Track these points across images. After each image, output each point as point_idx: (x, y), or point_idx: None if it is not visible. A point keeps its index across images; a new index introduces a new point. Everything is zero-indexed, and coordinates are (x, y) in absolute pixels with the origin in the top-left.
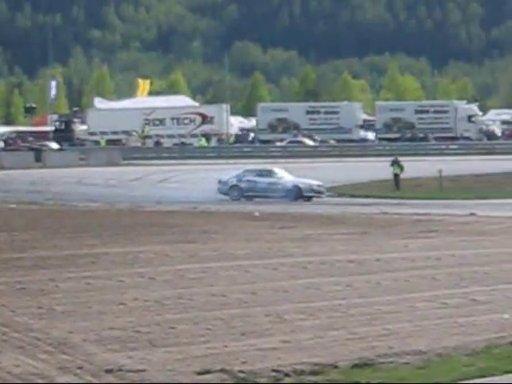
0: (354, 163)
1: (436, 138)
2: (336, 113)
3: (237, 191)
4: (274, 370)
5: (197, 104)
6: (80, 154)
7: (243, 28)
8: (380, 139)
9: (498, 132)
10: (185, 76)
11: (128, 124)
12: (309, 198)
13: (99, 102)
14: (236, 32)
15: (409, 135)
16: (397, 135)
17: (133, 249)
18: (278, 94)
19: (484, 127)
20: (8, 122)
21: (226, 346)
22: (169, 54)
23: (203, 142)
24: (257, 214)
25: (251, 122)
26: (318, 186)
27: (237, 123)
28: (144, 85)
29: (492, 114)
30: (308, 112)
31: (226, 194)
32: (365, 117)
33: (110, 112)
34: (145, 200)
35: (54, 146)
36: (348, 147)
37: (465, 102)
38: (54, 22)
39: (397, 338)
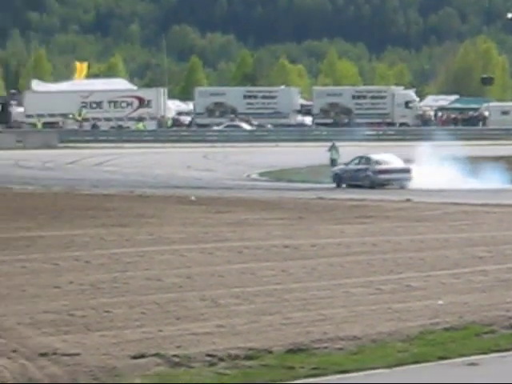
0: (291, 148)
1: (373, 124)
2: (273, 97)
3: (337, 178)
4: (208, 355)
5: (135, 87)
6: (17, 137)
7: (181, 12)
8: (317, 124)
9: (433, 118)
10: (123, 59)
11: (65, 107)
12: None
13: (37, 85)
14: (174, 16)
15: (346, 121)
16: (333, 120)
17: (68, 232)
18: (216, 78)
19: (421, 113)
20: None
21: (160, 331)
22: (107, 37)
23: (140, 125)
24: (193, 198)
25: (189, 106)
26: (391, 173)
27: (174, 107)
28: (82, 67)
29: (429, 100)
30: (245, 96)
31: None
32: (302, 102)
33: (47, 94)
34: (81, 183)
35: None
36: (285, 132)
37: (402, 87)
38: None
39: (331, 324)
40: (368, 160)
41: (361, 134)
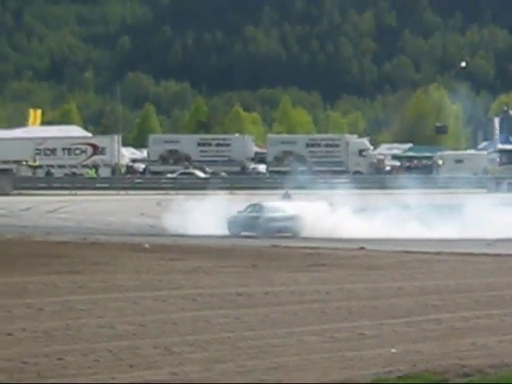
0: (245, 196)
1: (328, 172)
2: (227, 145)
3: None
4: None
5: (89, 134)
6: None
7: (135, 59)
8: (271, 172)
9: (388, 166)
10: (77, 106)
11: (19, 153)
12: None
13: None
14: (128, 63)
15: (301, 169)
16: (288, 168)
17: (21, 279)
18: (170, 126)
19: (374, 161)
20: None
21: (113, 378)
22: (61, 84)
23: (92, 172)
24: (147, 245)
25: (143, 153)
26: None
27: (128, 154)
28: (35, 114)
29: (383, 148)
30: (199, 144)
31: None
32: (256, 149)
33: (0, 142)
34: (35, 230)
35: None
36: (239, 179)
37: (356, 136)
38: None
39: (285, 372)
40: (260, 208)
41: (315, 182)
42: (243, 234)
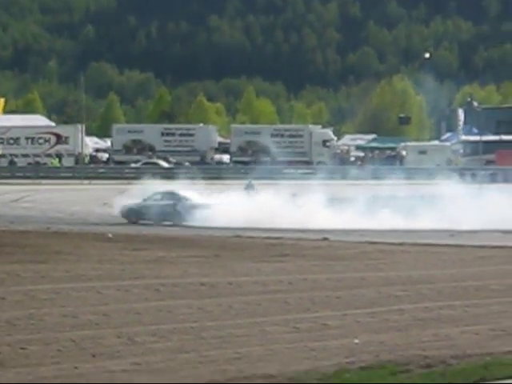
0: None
1: (291, 162)
2: (191, 135)
3: (134, 214)
4: None
5: (53, 124)
6: None
7: (99, 48)
8: (235, 162)
9: (352, 157)
10: (40, 95)
11: None
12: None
13: None
14: (92, 52)
15: (267, 158)
16: (251, 158)
17: None
18: (134, 116)
19: (338, 151)
20: None
21: (76, 368)
22: (24, 73)
23: (55, 162)
24: (110, 235)
25: (106, 143)
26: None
27: (92, 144)
28: None
29: (347, 139)
30: (163, 134)
31: (125, 216)
32: (220, 139)
33: None
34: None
35: None
36: (202, 169)
37: (320, 126)
38: None
39: (247, 362)
40: (174, 196)
41: (279, 172)
42: (142, 222)
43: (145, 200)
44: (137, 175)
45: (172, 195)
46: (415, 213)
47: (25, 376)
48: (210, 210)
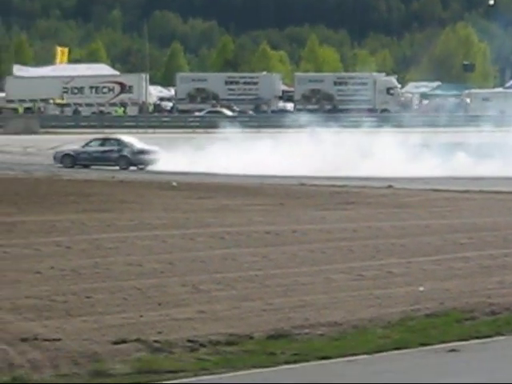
0: (272, 134)
1: (356, 110)
2: (255, 83)
3: (69, 159)
4: (189, 341)
5: (117, 73)
6: None
7: None
8: (299, 110)
9: (415, 104)
10: (104, 45)
11: (47, 92)
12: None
13: (19, 70)
14: (156, 1)
15: (329, 107)
16: (315, 106)
17: (50, 218)
18: (197, 64)
19: (402, 99)
20: None
21: (141, 316)
22: (88, 23)
23: (120, 110)
24: (174, 183)
25: (170, 92)
26: (147, 154)
27: (156, 92)
28: (63, 53)
29: (411, 86)
30: (227, 82)
31: (60, 162)
32: (284, 88)
33: (28, 80)
34: (62, 169)
35: None
36: (266, 118)
37: (384, 74)
38: None
39: (312, 310)
40: (119, 142)
41: (345, 120)
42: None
43: (83, 146)
44: (201, 124)
45: (117, 141)
46: (485, 161)
47: (91, 324)
48: (154, 155)
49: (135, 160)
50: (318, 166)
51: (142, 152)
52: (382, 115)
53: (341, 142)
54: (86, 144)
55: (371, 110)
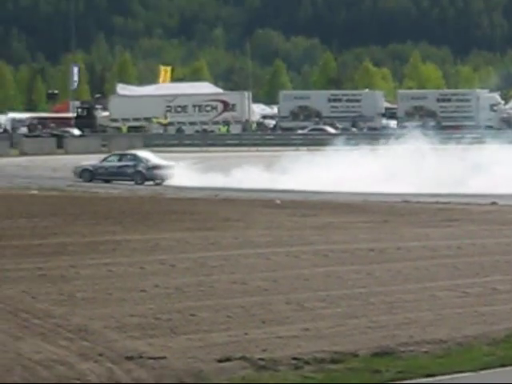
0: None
1: (457, 127)
2: (358, 101)
3: (88, 174)
4: (294, 358)
5: (220, 91)
6: (102, 141)
7: (265, 15)
8: (402, 127)
9: None
10: (207, 63)
11: (150, 111)
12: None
13: (122, 89)
14: (258, 19)
15: (432, 123)
16: (418, 123)
17: (154, 236)
18: (300, 82)
19: (505, 115)
20: (30, 108)
21: (246, 334)
22: (191, 41)
23: (224, 129)
24: (278, 201)
25: (273, 110)
26: (162, 169)
27: (259, 110)
28: (166, 71)
29: None
30: (330, 100)
31: (79, 176)
32: (387, 105)
33: (132, 98)
34: (166, 187)
35: (76, 132)
36: (370, 135)
37: (487, 90)
38: (77, 8)
39: (417, 327)
40: (135, 157)
41: (446, 137)
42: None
43: (101, 162)
44: (304, 141)
45: (134, 156)
46: None
47: (196, 342)
48: (168, 170)
49: (149, 175)
50: (426, 183)
51: (156, 167)
52: (486, 131)
53: (447, 157)
54: (105, 159)
55: (474, 127)
